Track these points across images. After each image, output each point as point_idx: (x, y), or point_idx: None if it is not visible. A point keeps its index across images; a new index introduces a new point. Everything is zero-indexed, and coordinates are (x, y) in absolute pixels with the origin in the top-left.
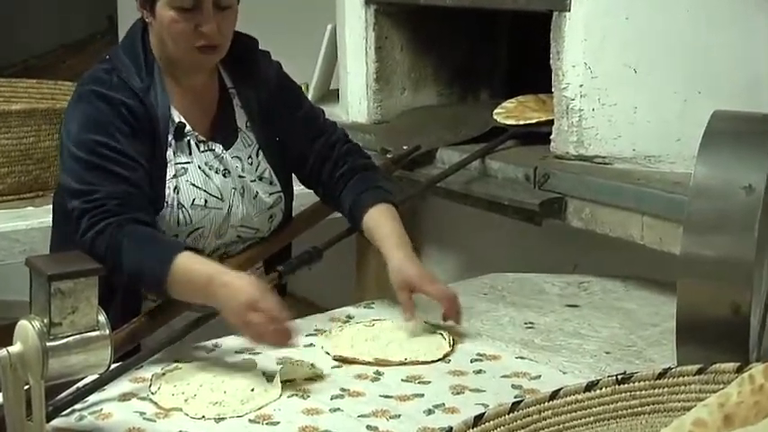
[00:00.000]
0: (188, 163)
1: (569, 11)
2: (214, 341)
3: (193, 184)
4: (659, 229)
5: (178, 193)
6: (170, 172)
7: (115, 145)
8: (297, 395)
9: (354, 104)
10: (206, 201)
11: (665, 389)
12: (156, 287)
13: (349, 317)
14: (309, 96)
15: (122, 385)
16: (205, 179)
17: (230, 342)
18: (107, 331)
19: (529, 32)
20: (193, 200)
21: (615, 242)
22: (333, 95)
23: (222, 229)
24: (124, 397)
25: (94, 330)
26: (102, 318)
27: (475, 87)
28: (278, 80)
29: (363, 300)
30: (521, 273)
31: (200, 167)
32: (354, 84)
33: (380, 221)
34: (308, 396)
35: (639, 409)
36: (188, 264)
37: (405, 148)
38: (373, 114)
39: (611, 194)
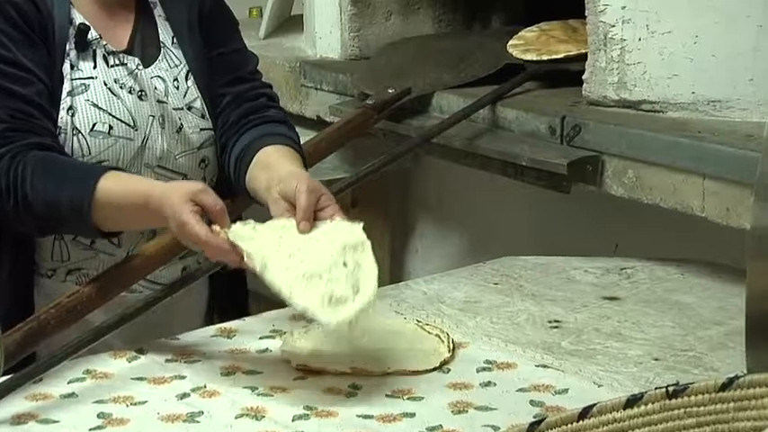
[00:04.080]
0: (90, 78)
1: None
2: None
3: (95, 105)
4: (725, 197)
5: (73, 115)
6: (66, 88)
7: (2, 53)
8: (248, 415)
9: (323, 34)
10: (111, 127)
11: (731, 404)
12: (79, 222)
13: None
14: (263, 25)
15: (17, 404)
16: (111, 99)
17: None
18: None
19: None
20: (93, 124)
21: (667, 215)
22: (295, 24)
23: (134, 166)
24: (19, 419)
25: None
26: None
27: (484, 11)
28: (214, 3)
29: None
30: (543, 255)
31: (105, 84)
32: (324, 7)
33: (279, 157)
34: (263, 416)
35: (697, 430)
36: (115, 185)
37: (390, 91)
38: (349, 47)
39: (662, 152)
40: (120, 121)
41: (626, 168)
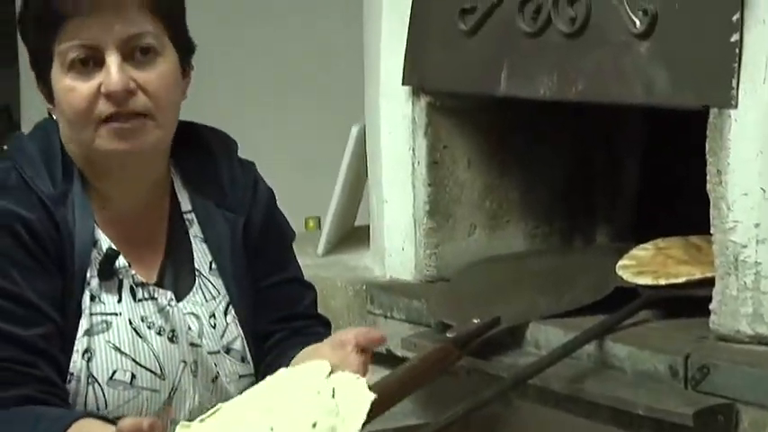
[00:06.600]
0: (114, 315)
1: (736, 107)
2: None
3: (117, 348)
4: None
5: (90, 360)
6: (83, 325)
7: (5, 285)
8: None
9: (395, 252)
10: (133, 375)
11: None
12: None
13: None
14: (322, 239)
15: None
16: (136, 342)
17: None
18: None
19: (672, 140)
20: (113, 372)
21: None
22: (359, 237)
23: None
24: None
25: None
26: None
27: (587, 224)
28: (266, 215)
29: None
30: None
31: (131, 323)
32: (395, 219)
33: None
34: None
35: None
36: None
37: (475, 321)
38: (425, 267)
39: None
40: (145, 368)
41: (766, 421)
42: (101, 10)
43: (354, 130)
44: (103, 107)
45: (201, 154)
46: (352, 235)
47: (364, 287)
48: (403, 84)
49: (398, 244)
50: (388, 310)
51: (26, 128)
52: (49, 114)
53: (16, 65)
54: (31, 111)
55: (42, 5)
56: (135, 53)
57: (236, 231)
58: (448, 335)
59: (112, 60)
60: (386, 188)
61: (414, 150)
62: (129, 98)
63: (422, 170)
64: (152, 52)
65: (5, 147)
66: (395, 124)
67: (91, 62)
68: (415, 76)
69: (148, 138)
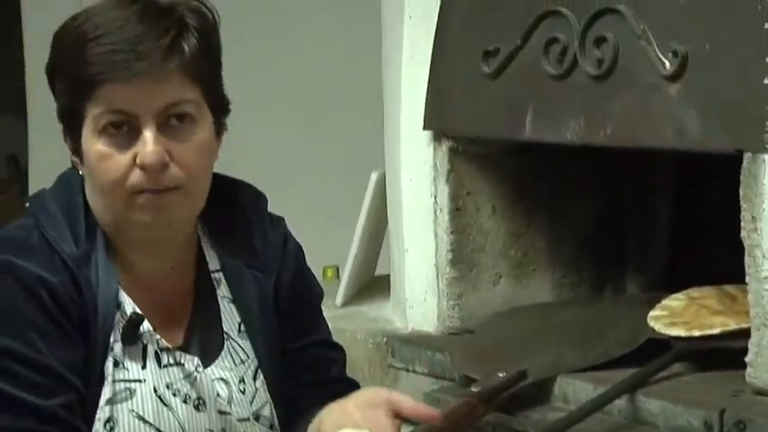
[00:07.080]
0: (138, 382)
1: None
2: None
3: (140, 417)
4: None
5: (113, 429)
6: (105, 393)
7: (25, 352)
8: None
9: (416, 302)
10: None
11: None
12: None
13: None
14: (340, 290)
15: None
16: (161, 410)
17: None
18: None
19: (705, 186)
20: None
21: None
22: (379, 287)
23: None
24: None
25: None
26: None
27: (616, 273)
28: (295, 273)
29: None
30: None
31: (155, 390)
32: (416, 268)
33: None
34: None
35: None
36: None
37: (501, 375)
38: (448, 319)
39: None
40: None
41: None
42: (139, 76)
43: (374, 177)
44: (137, 179)
45: (232, 212)
46: (372, 285)
47: (385, 339)
48: (424, 128)
49: (420, 294)
50: (410, 363)
51: (33, 175)
52: (73, 165)
53: (25, 113)
54: (39, 159)
55: (77, 67)
56: (170, 119)
57: (266, 291)
58: (472, 389)
59: (149, 132)
60: (407, 236)
61: (436, 197)
62: (163, 170)
63: (444, 217)
64: (188, 119)
65: (28, 204)
66: (416, 170)
67: (125, 127)
68: (436, 120)
69: (179, 212)
